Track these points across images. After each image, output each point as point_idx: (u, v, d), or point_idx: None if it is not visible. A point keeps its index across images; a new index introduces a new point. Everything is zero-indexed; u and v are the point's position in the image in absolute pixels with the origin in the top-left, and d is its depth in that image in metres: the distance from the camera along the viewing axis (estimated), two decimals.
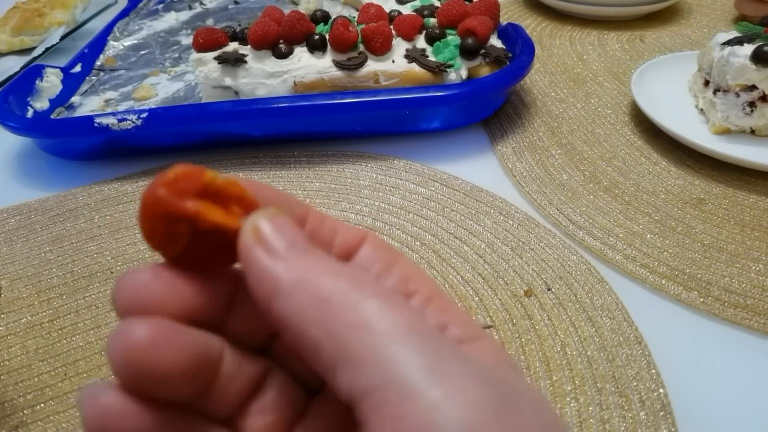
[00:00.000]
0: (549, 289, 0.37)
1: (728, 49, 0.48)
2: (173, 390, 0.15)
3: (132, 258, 0.42)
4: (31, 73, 0.57)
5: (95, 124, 0.48)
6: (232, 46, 0.53)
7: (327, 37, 0.51)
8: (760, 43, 0.46)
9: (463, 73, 0.51)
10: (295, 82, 0.50)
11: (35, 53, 0.70)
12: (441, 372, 0.13)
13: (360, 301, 0.14)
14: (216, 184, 0.16)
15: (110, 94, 0.61)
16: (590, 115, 0.56)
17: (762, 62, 0.45)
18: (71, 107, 0.59)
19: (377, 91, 0.49)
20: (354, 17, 0.55)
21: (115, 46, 0.72)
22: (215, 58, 0.51)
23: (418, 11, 0.57)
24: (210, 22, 0.80)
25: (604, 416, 0.30)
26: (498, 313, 0.36)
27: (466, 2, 0.56)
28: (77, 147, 0.51)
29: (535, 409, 0.14)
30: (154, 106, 0.58)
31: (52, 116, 0.57)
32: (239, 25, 0.56)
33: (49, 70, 0.59)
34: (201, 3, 0.86)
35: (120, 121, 0.48)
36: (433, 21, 0.55)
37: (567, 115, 0.56)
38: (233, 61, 0.50)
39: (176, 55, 0.70)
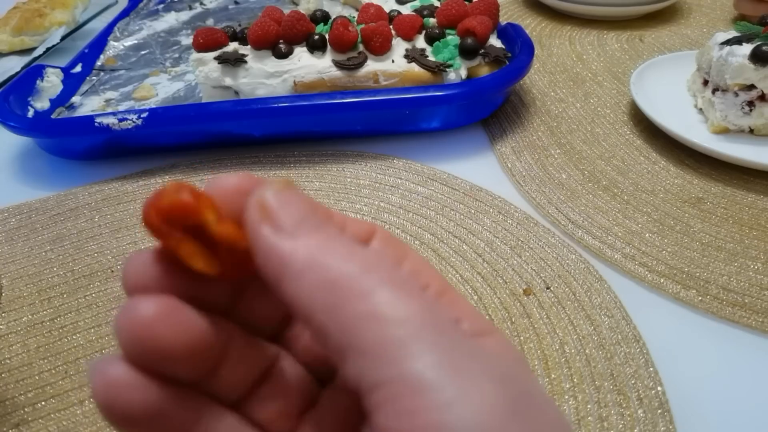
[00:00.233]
0: (548, 288, 0.37)
1: (727, 48, 0.48)
2: (177, 367, 0.15)
3: None
4: (32, 73, 0.58)
5: (96, 124, 0.48)
6: (232, 46, 0.53)
7: (327, 37, 0.51)
8: (759, 43, 0.46)
9: (463, 73, 0.51)
10: (295, 82, 0.51)
11: (36, 53, 0.70)
12: (456, 368, 0.12)
13: (372, 288, 0.13)
14: (210, 229, 0.15)
15: (111, 94, 0.62)
16: (589, 114, 0.56)
17: (761, 62, 0.46)
18: (72, 107, 0.60)
19: (377, 91, 0.49)
20: (354, 17, 0.55)
21: (115, 47, 0.72)
22: (215, 58, 0.51)
23: (418, 11, 0.58)
24: (210, 22, 0.80)
25: (602, 414, 0.30)
26: (497, 312, 0.36)
27: (466, 2, 0.56)
28: (78, 147, 0.51)
29: (546, 408, 0.13)
30: (154, 106, 0.58)
31: (53, 116, 0.57)
32: (239, 25, 0.56)
33: (49, 70, 0.59)
34: (201, 3, 0.86)
35: (120, 120, 0.48)
36: (432, 21, 0.55)
37: (566, 114, 0.56)
38: (233, 61, 0.50)
39: (176, 55, 0.70)
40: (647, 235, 0.41)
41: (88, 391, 0.33)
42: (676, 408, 0.30)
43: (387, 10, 0.57)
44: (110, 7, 0.86)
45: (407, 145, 0.52)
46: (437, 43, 0.52)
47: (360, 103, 0.49)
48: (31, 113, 0.55)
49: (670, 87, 0.56)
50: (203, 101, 0.54)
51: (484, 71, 0.52)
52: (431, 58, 0.51)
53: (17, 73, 0.65)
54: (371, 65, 0.51)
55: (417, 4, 0.61)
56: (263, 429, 0.17)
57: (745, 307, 0.35)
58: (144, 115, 0.48)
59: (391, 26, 0.53)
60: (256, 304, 0.17)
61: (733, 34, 0.50)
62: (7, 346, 0.36)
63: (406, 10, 0.60)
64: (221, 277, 0.16)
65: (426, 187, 0.47)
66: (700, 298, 0.36)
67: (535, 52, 0.54)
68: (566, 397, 0.31)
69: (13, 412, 0.32)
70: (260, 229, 0.14)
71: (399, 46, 0.52)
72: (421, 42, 0.53)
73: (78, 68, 0.64)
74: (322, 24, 0.55)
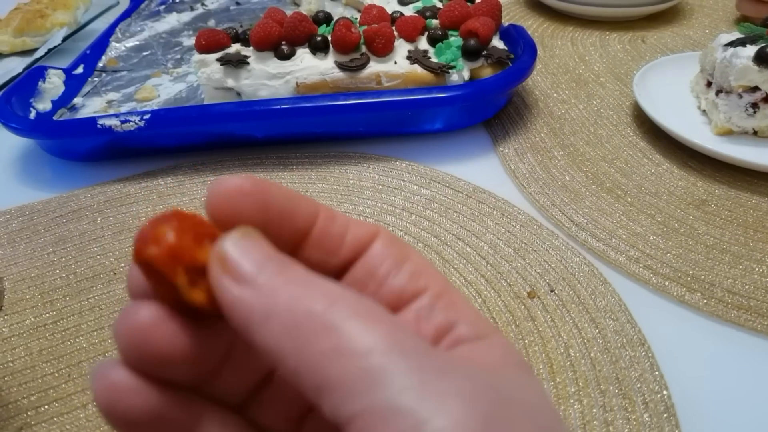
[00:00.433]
0: (552, 291, 0.37)
1: (731, 50, 0.48)
2: (175, 371, 0.15)
3: None
4: (34, 74, 0.58)
5: (98, 126, 0.48)
6: (235, 47, 0.53)
7: (329, 38, 0.51)
8: (763, 45, 0.46)
9: (466, 75, 0.51)
10: (297, 83, 0.51)
11: (37, 54, 0.70)
12: (423, 390, 0.12)
13: (335, 323, 0.13)
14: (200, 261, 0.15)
15: (112, 95, 0.62)
16: (592, 116, 0.56)
17: (765, 63, 0.45)
18: (73, 108, 0.59)
19: (379, 93, 0.49)
20: (356, 18, 0.55)
21: (117, 48, 0.72)
22: (218, 60, 0.51)
23: (420, 12, 0.57)
24: (212, 23, 0.80)
25: (607, 418, 0.30)
26: (501, 315, 0.36)
27: (468, 3, 0.56)
28: (80, 148, 0.51)
29: (528, 415, 0.13)
30: (156, 108, 0.58)
31: (55, 117, 0.57)
32: (241, 26, 0.56)
33: (51, 72, 0.59)
34: (203, 4, 0.86)
35: (123, 122, 0.48)
36: (435, 22, 0.55)
37: (569, 116, 0.56)
38: (236, 63, 0.50)
39: (178, 56, 0.70)
40: (651, 238, 0.41)
41: (91, 395, 0.33)
42: (682, 412, 0.30)
43: (389, 12, 0.57)
44: (112, 8, 0.85)
45: (410, 146, 0.52)
46: (440, 44, 0.52)
47: (362, 104, 0.49)
48: (33, 114, 0.55)
49: (673, 88, 0.55)
50: (205, 102, 0.54)
51: (487, 73, 0.52)
52: (434, 59, 0.51)
53: (19, 74, 0.65)
54: (374, 66, 0.50)
55: (419, 5, 0.61)
56: None
57: (751, 310, 0.35)
58: (146, 116, 0.48)
59: (393, 27, 0.52)
60: None
61: (736, 35, 0.50)
62: (10, 349, 0.35)
63: (408, 11, 0.60)
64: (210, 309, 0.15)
65: (429, 188, 0.47)
66: (705, 301, 0.36)
67: (538, 53, 0.54)
68: (571, 401, 0.31)
69: (16, 415, 0.32)
70: (221, 281, 0.14)
71: (401, 48, 0.52)
72: (423, 43, 0.53)
73: (80, 69, 0.64)
74: (325, 25, 0.55)
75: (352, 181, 0.48)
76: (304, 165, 0.51)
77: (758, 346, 0.34)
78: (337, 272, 0.18)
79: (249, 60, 0.51)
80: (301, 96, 0.51)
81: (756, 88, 0.47)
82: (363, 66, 0.50)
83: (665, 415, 0.30)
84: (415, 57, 0.51)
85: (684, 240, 0.41)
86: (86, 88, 0.63)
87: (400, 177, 0.48)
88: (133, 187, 0.49)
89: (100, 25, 0.78)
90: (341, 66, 0.50)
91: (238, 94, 0.52)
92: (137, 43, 0.74)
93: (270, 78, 0.51)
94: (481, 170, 0.49)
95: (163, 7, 0.85)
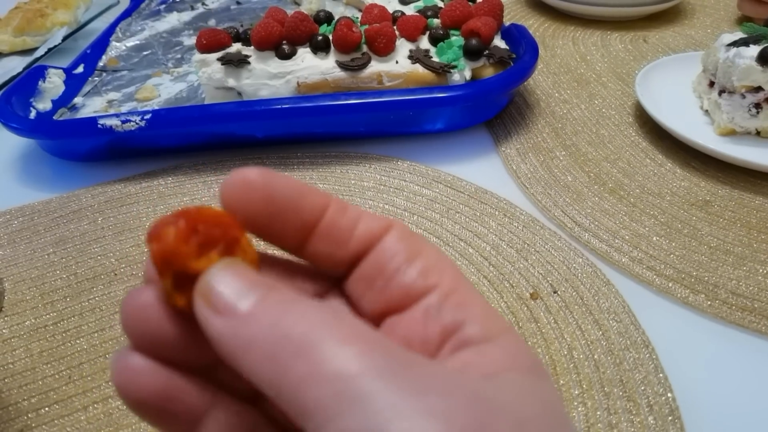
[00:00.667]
0: (555, 292, 0.37)
1: (734, 50, 0.48)
2: (174, 353, 0.16)
3: (136, 260, 0.41)
4: (34, 73, 0.57)
5: (99, 126, 0.47)
6: (236, 47, 0.53)
7: (330, 37, 0.51)
8: (766, 44, 0.46)
9: (467, 74, 0.51)
10: (298, 83, 0.50)
11: (38, 54, 0.70)
12: (397, 411, 0.12)
13: (311, 346, 0.13)
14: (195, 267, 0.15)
15: (113, 95, 0.61)
16: (594, 116, 0.56)
17: None
18: (74, 108, 0.59)
19: (381, 92, 0.49)
20: (357, 18, 0.55)
21: (117, 47, 0.72)
22: (218, 59, 0.51)
23: (422, 12, 0.57)
24: (212, 22, 0.80)
25: (612, 421, 0.30)
26: (504, 316, 0.36)
27: (470, 3, 0.56)
28: (80, 148, 0.51)
29: (515, 428, 0.13)
30: (157, 107, 0.58)
31: (55, 117, 0.57)
32: (241, 25, 0.56)
33: (51, 71, 0.59)
34: (203, 3, 0.86)
35: (123, 122, 0.47)
36: (436, 22, 0.55)
37: (571, 116, 0.56)
38: (236, 62, 0.50)
39: (179, 55, 0.70)
40: (654, 239, 0.41)
41: (92, 397, 0.32)
42: (687, 414, 0.30)
43: (391, 11, 0.57)
44: (112, 7, 0.85)
45: (411, 146, 0.52)
46: (441, 44, 0.52)
47: (364, 104, 0.48)
48: (33, 114, 0.55)
49: (675, 88, 0.55)
50: (206, 102, 0.53)
51: (489, 72, 0.52)
52: (435, 59, 0.51)
53: (19, 73, 0.64)
54: (375, 66, 0.50)
55: (420, 4, 0.61)
56: (278, 425, 0.17)
57: (755, 312, 0.35)
58: (147, 116, 0.48)
59: (394, 27, 0.52)
60: None
61: (739, 35, 0.50)
62: (10, 350, 0.35)
63: (409, 10, 0.59)
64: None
65: (431, 189, 0.47)
66: (708, 302, 0.36)
67: (539, 53, 0.53)
68: (575, 403, 0.31)
69: (17, 417, 0.32)
70: (204, 314, 0.14)
71: (403, 47, 0.52)
72: (425, 43, 0.53)
73: (80, 69, 0.64)
74: (326, 25, 0.54)
75: (353, 182, 0.48)
76: (305, 165, 0.50)
77: (763, 347, 0.34)
78: (347, 266, 0.17)
79: (250, 59, 0.51)
80: (302, 96, 0.50)
81: (759, 89, 0.47)
82: (364, 65, 0.50)
83: (670, 418, 0.29)
84: (416, 56, 0.51)
85: (687, 241, 0.40)
86: (86, 88, 0.63)
87: (402, 177, 0.48)
88: (134, 188, 0.49)
89: (101, 25, 0.78)
90: (342, 65, 0.50)
91: (239, 93, 0.52)
92: (138, 42, 0.74)
93: (271, 78, 0.50)
94: (483, 170, 0.49)
95: (163, 6, 0.84)
